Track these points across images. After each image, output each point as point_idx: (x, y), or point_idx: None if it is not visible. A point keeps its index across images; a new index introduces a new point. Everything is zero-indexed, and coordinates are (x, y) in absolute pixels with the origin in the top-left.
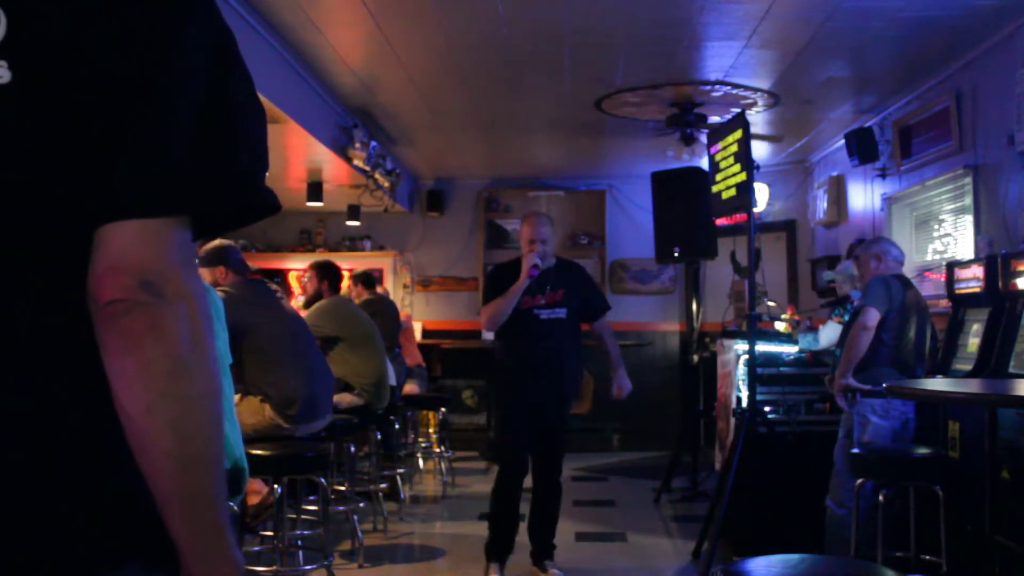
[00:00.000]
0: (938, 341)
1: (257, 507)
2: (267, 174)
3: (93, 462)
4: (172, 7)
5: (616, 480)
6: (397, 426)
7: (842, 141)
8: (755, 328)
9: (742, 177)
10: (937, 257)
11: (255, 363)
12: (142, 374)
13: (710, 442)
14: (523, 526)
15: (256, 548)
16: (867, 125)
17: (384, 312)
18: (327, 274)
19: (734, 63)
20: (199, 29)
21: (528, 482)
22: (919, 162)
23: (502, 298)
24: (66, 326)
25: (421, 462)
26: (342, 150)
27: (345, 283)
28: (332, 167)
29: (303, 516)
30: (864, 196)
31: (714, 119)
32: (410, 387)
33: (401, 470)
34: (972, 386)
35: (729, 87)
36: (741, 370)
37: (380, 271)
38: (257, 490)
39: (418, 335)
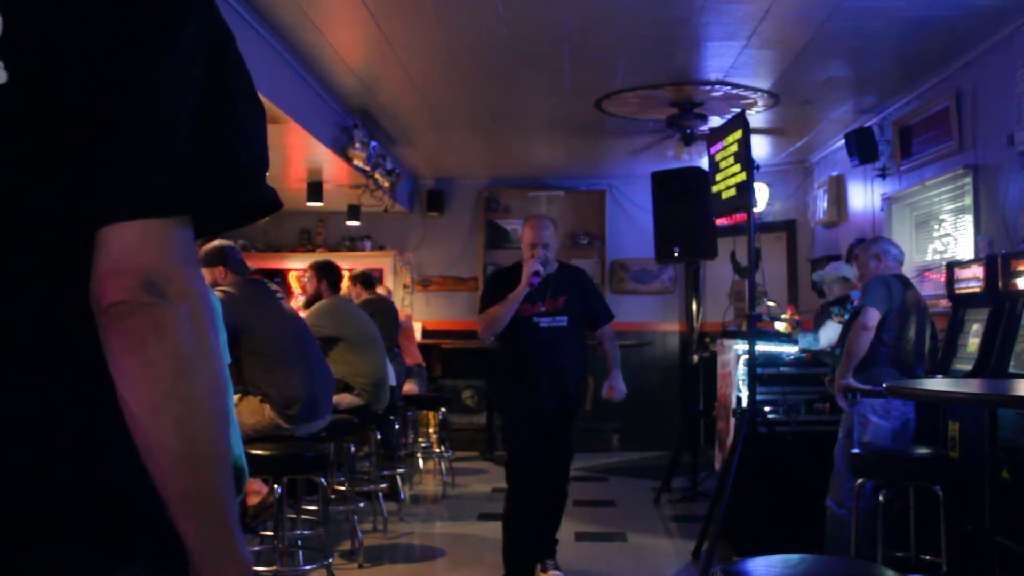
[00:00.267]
0: (938, 341)
1: (257, 507)
2: (267, 174)
3: (95, 462)
4: (170, 6)
5: (616, 480)
6: (397, 426)
7: (842, 141)
8: (755, 328)
9: (742, 177)
10: (937, 257)
11: (255, 363)
12: (147, 375)
13: (710, 442)
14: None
15: (256, 548)
16: (867, 125)
17: (383, 312)
18: (327, 274)
19: (734, 63)
20: (198, 28)
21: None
22: (919, 162)
23: (500, 305)
24: (68, 327)
25: (421, 462)
26: (342, 150)
27: (345, 283)
28: (332, 167)
29: (303, 516)
30: (864, 196)
31: (714, 119)
32: (409, 387)
33: (401, 470)
34: (972, 386)
35: (729, 87)
36: (741, 370)
37: (380, 271)
38: (257, 490)
39: (418, 335)
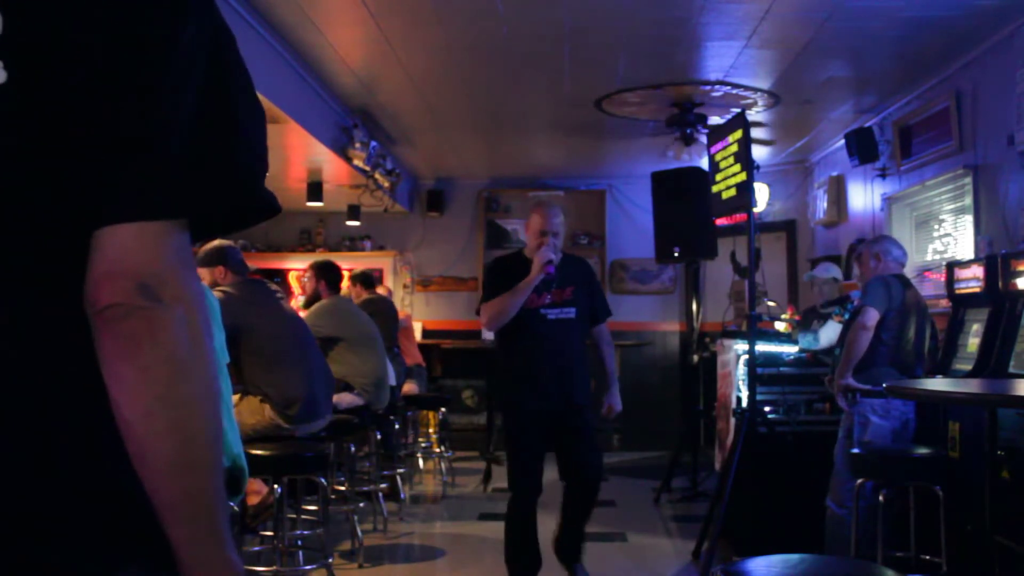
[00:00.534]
0: (938, 341)
1: (257, 507)
2: (267, 174)
3: (95, 463)
4: (170, 6)
5: (616, 480)
6: (397, 426)
7: (842, 141)
8: (755, 328)
9: (742, 177)
10: (937, 257)
11: (255, 363)
12: (140, 379)
13: (710, 442)
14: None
15: (256, 548)
16: (867, 125)
17: (383, 312)
18: (326, 274)
19: (734, 63)
20: (197, 29)
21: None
22: (919, 162)
23: (508, 295)
24: (65, 328)
25: (421, 462)
26: (342, 150)
27: (345, 283)
28: (332, 167)
29: (303, 516)
30: (864, 196)
31: (714, 119)
32: (409, 387)
33: (401, 470)
34: (972, 386)
35: (729, 87)
36: (741, 370)
37: (380, 271)
38: (257, 490)
39: (418, 335)
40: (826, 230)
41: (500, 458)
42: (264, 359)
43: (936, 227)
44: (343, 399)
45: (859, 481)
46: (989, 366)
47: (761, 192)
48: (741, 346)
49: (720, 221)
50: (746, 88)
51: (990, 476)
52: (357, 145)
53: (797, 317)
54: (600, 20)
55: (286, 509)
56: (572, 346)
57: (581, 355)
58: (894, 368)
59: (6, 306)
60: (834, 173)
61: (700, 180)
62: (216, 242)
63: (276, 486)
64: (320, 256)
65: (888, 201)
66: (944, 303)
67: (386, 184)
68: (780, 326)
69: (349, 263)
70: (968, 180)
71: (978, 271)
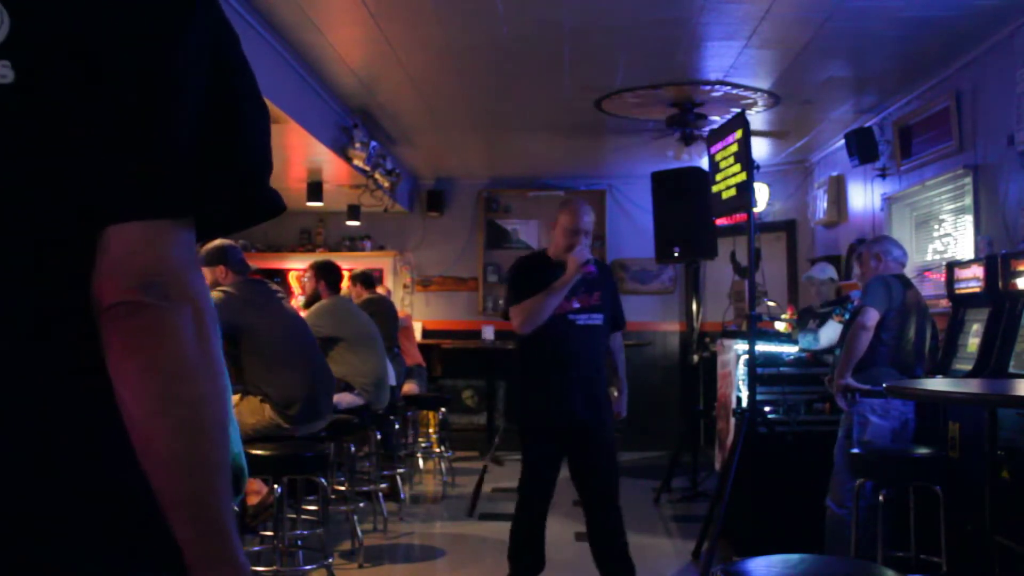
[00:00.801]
0: (938, 341)
1: (257, 507)
2: (271, 174)
3: (97, 463)
4: (175, 6)
5: None
6: (397, 426)
7: (842, 141)
8: (755, 328)
9: (742, 177)
10: (937, 257)
11: (255, 363)
12: (147, 377)
13: (710, 442)
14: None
15: (256, 548)
16: (867, 125)
17: (384, 312)
18: (326, 274)
19: (734, 63)
20: (202, 29)
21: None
22: (919, 162)
23: (544, 295)
24: (70, 327)
25: (421, 462)
26: (342, 150)
27: (345, 283)
28: (332, 167)
29: (303, 516)
30: (864, 196)
31: (714, 119)
32: (409, 387)
33: (401, 470)
34: (972, 386)
35: (729, 87)
36: (741, 370)
37: (380, 271)
38: (257, 490)
39: (418, 335)
40: (826, 230)
41: (501, 459)
42: (264, 359)
43: (936, 227)
44: (343, 399)
45: (859, 481)
46: (989, 366)
47: (761, 192)
48: (741, 346)
49: (720, 221)
50: (746, 88)
51: (990, 476)
52: (357, 145)
53: (797, 317)
54: (600, 20)
55: (286, 509)
56: (598, 354)
57: (604, 364)
58: (894, 368)
59: (11, 304)
60: (834, 173)
61: (700, 180)
62: (217, 242)
63: (276, 486)
64: (320, 256)
65: (888, 201)
66: (944, 303)
67: (386, 184)
68: (780, 326)
69: (349, 263)
70: (968, 180)
71: (978, 271)
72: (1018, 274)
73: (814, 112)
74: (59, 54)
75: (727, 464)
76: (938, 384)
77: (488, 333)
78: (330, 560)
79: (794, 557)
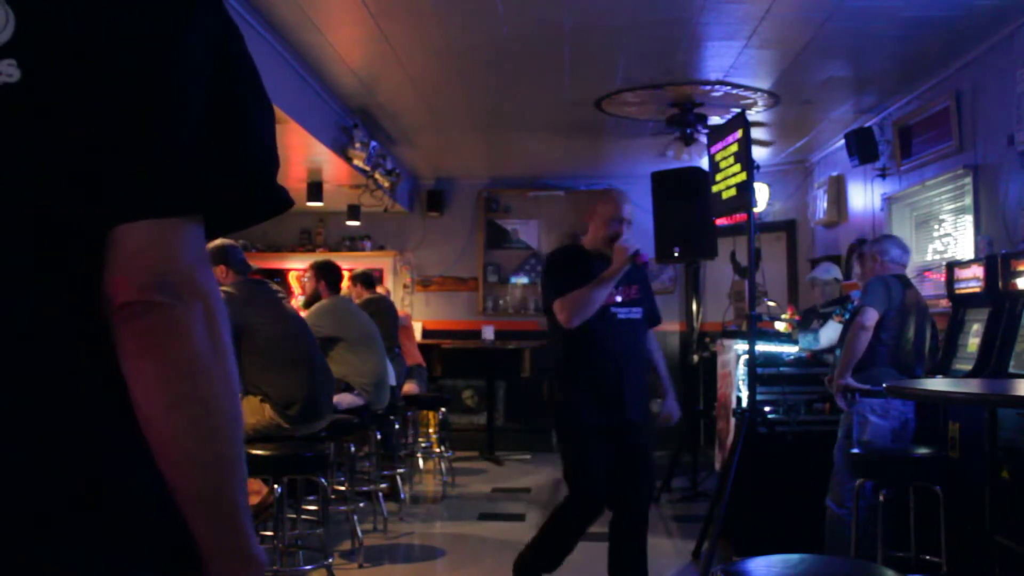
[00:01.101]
0: (938, 341)
1: (257, 507)
2: (278, 170)
3: (100, 463)
4: (180, 4)
5: None
6: (397, 426)
7: (842, 141)
8: (755, 328)
9: (742, 177)
10: (937, 257)
11: (255, 363)
12: (161, 376)
13: (710, 442)
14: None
15: None
16: (867, 125)
17: (384, 312)
18: (326, 274)
19: (734, 63)
20: (206, 27)
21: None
22: (919, 162)
23: (593, 285)
24: (75, 327)
25: (421, 462)
26: (342, 150)
27: (345, 283)
28: (332, 167)
29: (303, 516)
30: (864, 196)
31: (714, 119)
32: (409, 387)
33: (401, 470)
34: (972, 386)
35: (729, 87)
36: (741, 370)
37: (380, 271)
38: (257, 490)
39: (418, 335)
40: (826, 230)
41: (501, 459)
42: (265, 359)
43: (936, 227)
44: (343, 399)
45: (859, 481)
46: (989, 366)
47: (761, 192)
48: (741, 346)
49: (720, 221)
50: (746, 88)
51: (990, 476)
52: (357, 145)
53: (797, 317)
54: (600, 20)
55: (286, 509)
56: (640, 350)
57: (646, 362)
58: (894, 368)
59: (15, 304)
60: (834, 173)
61: (700, 180)
62: (218, 241)
63: (276, 486)
64: (320, 256)
65: (888, 201)
66: (944, 303)
67: (386, 184)
68: (780, 326)
69: (349, 263)
70: (968, 180)
71: (978, 271)
72: (1018, 274)
73: (814, 112)
74: (64, 53)
75: (727, 464)
76: (938, 384)
77: (488, 333)
78: (330, 560)
79: (794, 557)
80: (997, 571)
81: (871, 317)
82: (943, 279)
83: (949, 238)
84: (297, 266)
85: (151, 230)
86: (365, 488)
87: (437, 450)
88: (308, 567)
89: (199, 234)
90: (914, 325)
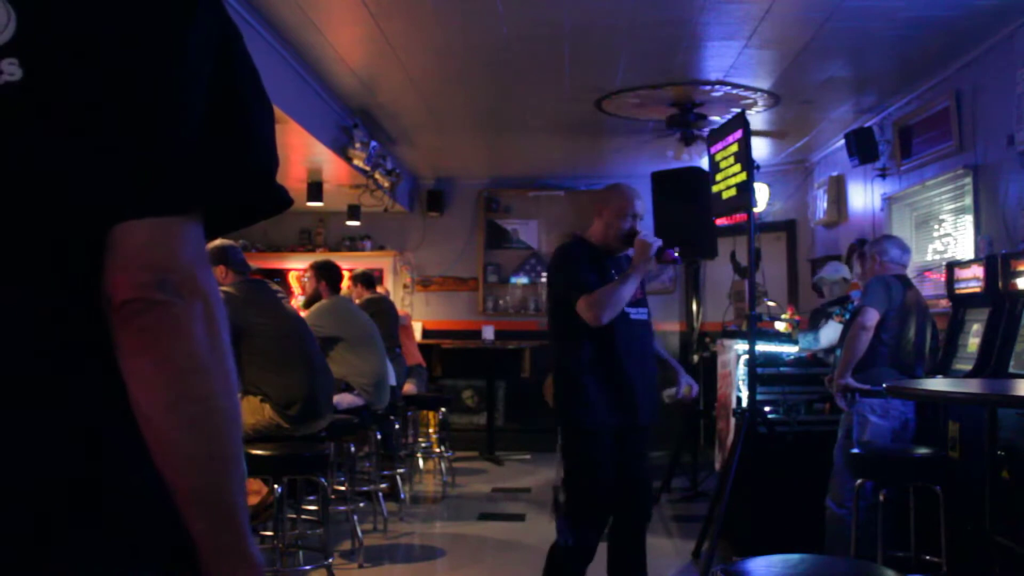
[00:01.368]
0: (938, 341)
1: (257, 507)
2: (278, 169)
3: (101, 463)
4: (179, 5)
5: None
6: (397, 426)
7: (842, 141)
8: (755, 328)
9: (742, 177)
10: (937, 257)
11: (255, 363)
12: (160, 374)
13: (710, 442)
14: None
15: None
16: (867, 125)
17: (385, 312)
18: (326, 274)
19: (734, 63)
20: (206, 26)
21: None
22: (919, 162)
23: (620, 283)
24: (76, 325)
25: (421, 462)
26: (342, 150)
27: (345, 283)
28: (332, 167)
29: (303, 516)
30: (864, 196)
31: (714, 119)
32: (408, 387)
33: (401, 470)
34: (972, 386)
35: (729, 87)
36: (741, 370)
37: (380, 271)
38: (257, 490)
39: (418, 335)
40: (826, 230)
41: (501, 459)
42: (265, 359)
43: (936, 227)
44: (343, 399)
45: (859, 481)
46: (989, 366)
47: (761, 192)
48: (741, 346)
49: (720, 221)
50: (746, 88)
51: (990, 476)
52: (357, 145)
53: (797, 317)
54: (600, 20)
55: (286, 509)
56: (651, 352)
57: (655, 363)
58: (894, 368)
59: (16, 302)
60: (834, 173)
61: (700, 180)
62: (217, 241)
63: (276, 486)
64: (320, 256)
65: (888, 201)
66: (944, 303)
67: (386, 184)
68: (780, 326)
69: (349, 263)
70: (968, 180)
71: (978, 271)
72: (1018, 274)
73: (814, 112)
74: (65, 52)
75: (727, 464)
76: (938, 384)
77: (488, 333)
78: (330, 560)
79: (794, 557)
80: (997, 571)
81: (872, 317)
82: (943, 279)
83: (949, 238)
84: (297, 266)
85: (151, 228)
86: (365, 488)
87: (437, 450)
88: (308, 567)
89: (199, 233)
90: (914, 325)
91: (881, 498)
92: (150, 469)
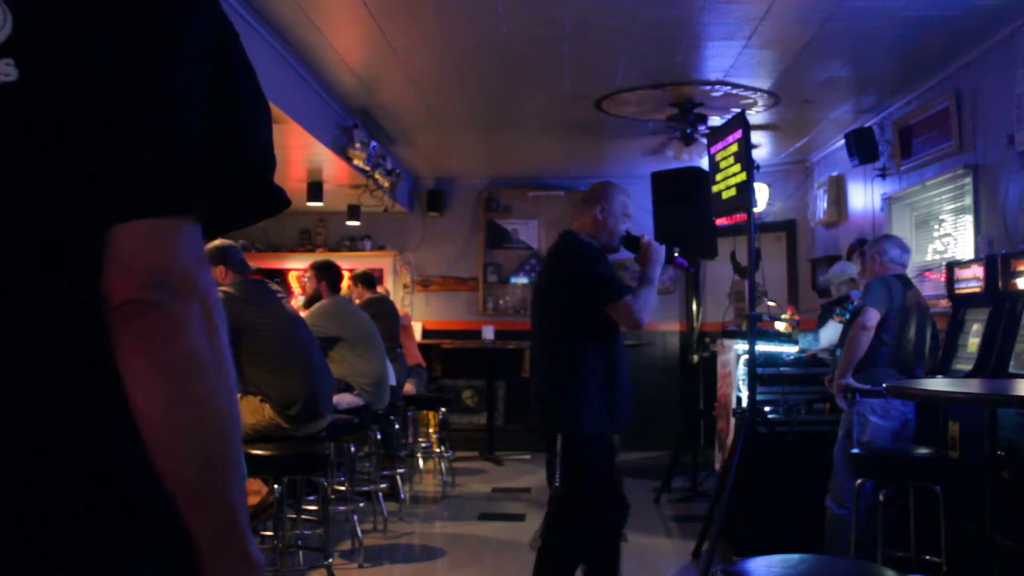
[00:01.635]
0: (939, 341)
1: (257, 507)
2: (275, 170)
3: (102, 464)
4: (175, 6)
5: None
6: (397, 426)
7: (842, 141)
8: (755, 328)
9: (742, 177)
10: (937, 257)
11: (255, 363)
12: (158, 375)
13: (710, 442)
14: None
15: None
16: (867, 125)
17: (385, 312)
18: (326, 274)
19: (734, 63)
20: (203, 27)
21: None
22: (919, 162)
23: (651, 286)
24: (75, 327)
25: (421, 462)
26: (342, 150)
27: (345, 283)
28: (332, 167)
29: (303, 516)
30: (864, 196)
31: (714, 119)
32: (408, 387)
33: (401, 470)
34: (972, 386)
35: (729, 87)
36: (741, 370)
37: (380, 271)
38: (257, 490)
39: (418, 335)
40: (826, 230)
41: (501, 459)
42: (265, 359)
43: (936, 227)
44: (343, 399)
45: (859, 481)
46: (989, 366)
47: (761, 192)
48: (741, 346)
49: (720, 221)
50: (746, 88)
51: (990, 476)
52: (357, 145)
53: (797, 317)
54: (600, 20)
55: (286, 509)
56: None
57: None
58: (894, 368)
59: (15, 305)
60: (834, 173)
61: (700, 180)
62: (217, 242)
63: (276, 486)
64: (320, 256)
65: (888, 201)
66: (944, 303)
67: (386, 184)
68: (780, 326)
69: (349, 263)
70: (968, 180)
71: (978, 271)
72: (1018, 274)
73: (814, 112)
74: (62, 53)
75: (727, 464)
76: (938, 384)
77: (488, 333)
78: (330, 560)
79: (794, 557)
80: (997, 571)
81: (872, 317)
82: (943, 279)
83: (949, 238)
84: (297, 266)
85: (148, 229)
86: (365, 488)
87: (437, 450)
88: (308, 567)
89: (196, 234)
90: (915, 325)
91: (881, 498)
92: (150, 470)
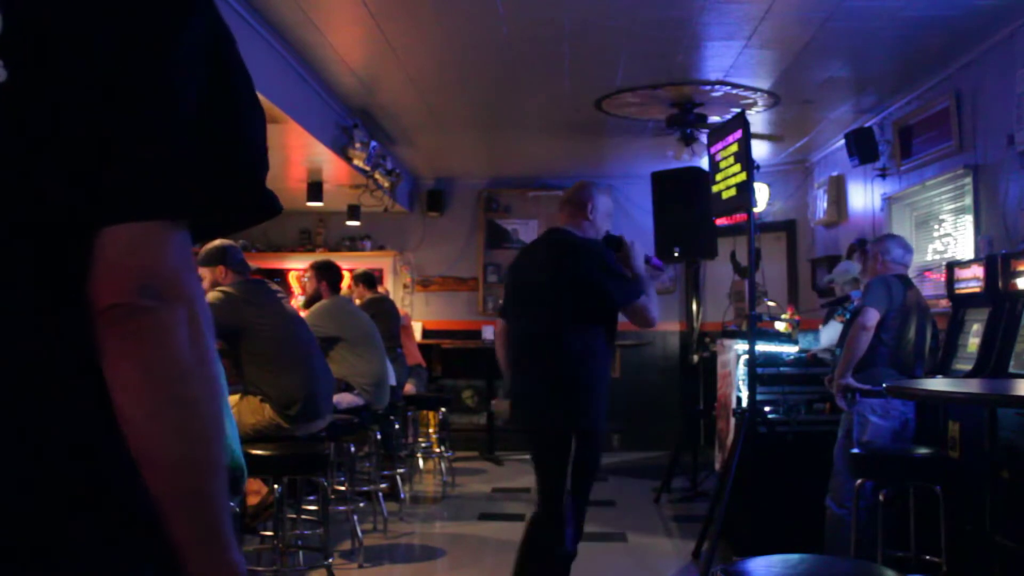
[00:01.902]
0: (939, 341)
1: (257, 507)
2: (267, 175)
3: (95, 469)
4: (170, 7)
5: (616, 480)
6: (397, 426)
7: (842, 141)
8: (755, 328)
9: (742, 177)
10: (937, 257)
11: (255, 363)
12: (143, 379)
13: (710, 442)
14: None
15: (256, 548)
16: (867, 125)
17: (386, 312)
18: (327, 274)
19: (734, 63)
20: (197, 29)
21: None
22: (919, 162)
23: (650, 284)
24: (65, 329)
25: (421, 462)
26: (342, 150)
27: (346, 283)
28: (332, 167)
29: (303, 516)
30: (864, 196)
31: (714, 119)
32: (408, 387)
33: (401, 470)
34: (972, 386)
35: (729, 87)
36: (741, 370)
37: (380, 271)
38: (257, 490)
39: (418, 335)
40: (826, 230)
41: (501, 459)
42: (265, 359)
43: (936, 227)
44: (343, 399)
45: (859, 481)
46: (989, 366)
47: (761, 192)
48: (741, 346)
49: (720, 221)
50: (746, 88)
51: (990, 476)
52: (357, 145)
53: (797, 317)
54: (600, 20)
55: (286, 509)
56: None
57: None
58: (894, 368)
59: (18, 305)
60: (834, 173)
61: (700, 180)
62: (217, 242)
63: (276, 486)
64: (320, 256)
65: (888, 201)
66: (944, 303)
67: (386, 184)
68: (780, 326)
69: (349, 263)
70: (968, 180)
71: (978, 271)
72: (1018, 274)
73: (814, 112)
74: (54, 53)
75: (727, 464)
76: (938, 384)
77: (488, 333)
78: (330, 560)
79: (794, 557)
80: (997, 571)
81: (872, 317)
82: (943, 279)
83: (949, 238)
84: (297, 266)
85: (136, 233)
86: (365, 488)
87: (437, 450)
88: (308, 567)
89: (184, 238)
90: (915, 325)
91: (881, 498)
92: (138, 472)
